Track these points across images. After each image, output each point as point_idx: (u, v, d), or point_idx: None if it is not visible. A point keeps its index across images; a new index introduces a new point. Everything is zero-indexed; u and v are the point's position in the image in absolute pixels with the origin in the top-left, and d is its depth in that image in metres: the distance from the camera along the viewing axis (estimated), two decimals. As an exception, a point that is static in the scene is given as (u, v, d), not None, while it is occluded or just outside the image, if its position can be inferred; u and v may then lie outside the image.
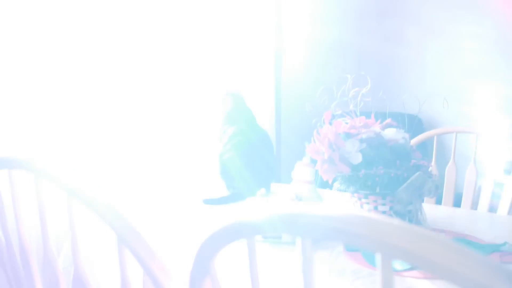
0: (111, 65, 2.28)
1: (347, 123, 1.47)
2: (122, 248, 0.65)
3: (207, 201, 1.70)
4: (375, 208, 1.36)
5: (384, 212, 1.34)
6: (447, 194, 1.95)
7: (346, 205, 1.46)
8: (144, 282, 0.96)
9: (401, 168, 1.38)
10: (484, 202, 1.92)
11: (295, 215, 0.44)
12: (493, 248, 1.18)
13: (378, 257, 0.41)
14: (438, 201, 1.96)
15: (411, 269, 1.01)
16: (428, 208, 1.47)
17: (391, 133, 1.46)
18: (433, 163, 1.91)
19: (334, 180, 1.42)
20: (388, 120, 1.51)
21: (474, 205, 1.97)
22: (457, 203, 1.97)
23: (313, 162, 1.43)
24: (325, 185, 1.50)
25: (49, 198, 1.61)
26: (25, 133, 2.01)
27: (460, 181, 1.99)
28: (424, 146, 2.10)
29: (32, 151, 2.04)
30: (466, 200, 1.94)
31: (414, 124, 3.03)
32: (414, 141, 1.91)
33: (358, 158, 1.38)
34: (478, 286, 0.35)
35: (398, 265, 1.03)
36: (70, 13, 2.07)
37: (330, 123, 1.44)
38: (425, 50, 3.53)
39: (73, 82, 2.13)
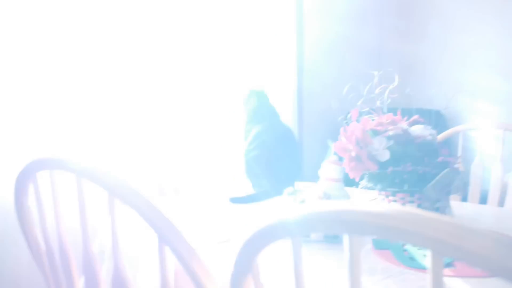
0: (130, 65, 2.32)
1: (373, 120, 1.47)
2: (163, 247, 0.66)
3: (234, 200, 1.71)
4: (403, 205, 1.36)
5: (412, 210, 1.34)
6: (473, 191, 1.94)
7: (375, 202, 1.46)
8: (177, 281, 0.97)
9: (429, 165, 1.38)
10: (511, 200, 1.90)
11: (343, 212, 0.45)
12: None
13: (428, 254, 0.41)
14: (464, 199, 1.95)
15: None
16: (455, 205, 1.46)
17: (419, 130, 1.45)
18: (459, 160, 1.90)
19: (361, 178, 1.42)
20: (415, 117, 1.50)
21: (501, 203, 1.95)
22: (483, 200, 1.95)
23: (340, 159, 1.43)
24: (351, 183, 1.50)
25: (89, 199, 1.64)
26: (59, 134, 2.06)
27: (487, 178, 1.97)
28: (450, 143, 2.08)
29: (69, 151, 2.09)
30: (492, 197, 1.92)
31: (438, 121, 3.01)
32: (440, 137, 1.90)
33: (385, 155, 1.38)
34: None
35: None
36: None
37: (357, 121, 1.44)
38: (448, 46, 3.50)
39: (105, 84, 2.17)
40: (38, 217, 0.82)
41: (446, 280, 0.99)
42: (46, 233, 0.84)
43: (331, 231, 0.47)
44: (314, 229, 0.50)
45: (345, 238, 0.46)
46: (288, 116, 2.94)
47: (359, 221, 0.44)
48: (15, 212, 0.86)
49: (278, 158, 1.79)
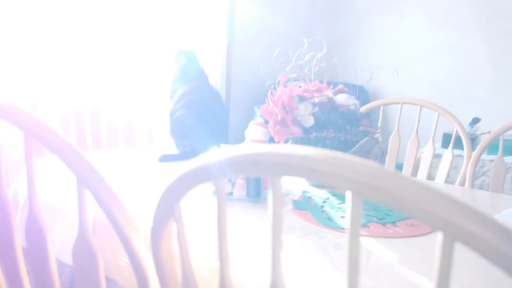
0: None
1: (301, 86, 1.49)
2: (82, 190, 0.64)
3: (163, 158, 1.68)
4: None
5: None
6: (389, 162, 2.03)
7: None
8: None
9: (350, 133, 1.43)
10: (423, 172, 2.01)
11: (267, 154, 0.45)
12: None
13: (348, 195, 0.42)
14: (380, 169, 2.04)
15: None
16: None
17: (343, 99, 1.49)
18: (379, 131, 1.98)
19: (285, 142, 1.45)
20: (341, 86, 1.54)
21: (413, 175, 2.06)
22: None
23: (266, 123, 1.44)
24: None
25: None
26: None
27: (402, 151, 2.08)
28: (371, 115, 2.16)
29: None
30: (406, 170, 2.03)
31: (361, 95, 3.11)
32: (362, 109, 1.96)
33: (310, 121, 1.41)
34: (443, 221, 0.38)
35: (344, 223, 1.08)
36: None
37: (285, 86, 1.45)
38: (374, 24, 3.61)
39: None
40: None
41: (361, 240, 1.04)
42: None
43: (255, 173, 0.47)
44: (238, 172, 0.50)
45: (270, 184, 0.47)
46: (216, 79, 2.92)
47: (283, 163, 0.45)
48: None
49: (204, 119, 1.77)
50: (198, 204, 1.18)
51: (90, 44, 2.43)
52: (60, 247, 1.11)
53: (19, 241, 0.74)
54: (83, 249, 0.66)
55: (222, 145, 1.82)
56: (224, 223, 0.52)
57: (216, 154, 0.51)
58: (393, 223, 1.11)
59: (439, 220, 0.38)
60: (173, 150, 1.80)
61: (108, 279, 0.87)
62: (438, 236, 0.40)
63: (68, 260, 1.08)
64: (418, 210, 0.38)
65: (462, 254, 0.46)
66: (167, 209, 0.58)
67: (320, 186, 1.41)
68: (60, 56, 2.35)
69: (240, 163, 0.48)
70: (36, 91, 2.20)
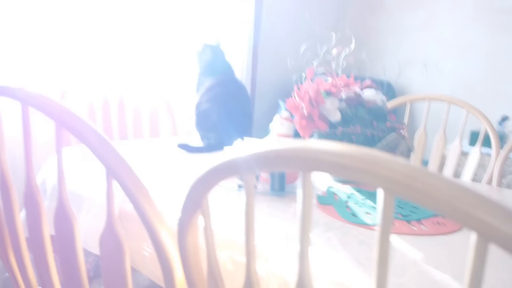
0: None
1: (328, 81, 1.48)
2: (110, 180, 0.65)
3: (182, 146, 1.69)
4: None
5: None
6: (415, 159, 2.00)
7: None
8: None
9: (377, 129, 1.41)
10: (449, 170, 1.98)
11: (299, 149, 0.45)
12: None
13: (380, 193, 0.42)
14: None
15: (382, 224, 1.04)
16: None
17: (370, 94, 1.48)
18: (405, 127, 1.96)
19: (311, 137, 1.44)
20: (368, 82, 1.53)
21: (439, 172, 2.03)
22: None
23: (292, 116, 1.44)
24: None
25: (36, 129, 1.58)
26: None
27: (428, 148, 2.05)
28: (398, 111, 2.13)
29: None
30: (432, 167, 2.00)
31: (388, 91, 3.08)
32: (389, 105, 1.94)
33: (336, 116, 1.40)
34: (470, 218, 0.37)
35: (368, 219, 1.07)
36: None
37: (312, 80, 1.45)
38: (404, 19, 3.55)
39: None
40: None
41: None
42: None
43: (285, 168, 0.47)
44: (267, 167, 0.49)
45: (300, 176, 0.46)
46: (242, 72, 2.92)
47: (314, 158, 0.44)
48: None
49: (229, 113, 1.77)
50: (220, 196, 1.18)
51: (118, 33, 2.46)
52: (84, 236, 1.13)
53: (47, 229, 0.75)
54: (110, 238, 0.67)
55: (246, 138, 1.82)
56: (252, 218, 0.52)
57: (245, 148, 0.51)
58: (419, 220, 1.10)
59: (473, 220, 0.37)
60: (198, 142, 1.81)
61: (131, 269, 0.87)
62: (472, 237, 0.39)
63: (92, 249, 1.09)
64: (452, 210, 0.38)
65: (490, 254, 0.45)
66: (194, 202, 0.58)
67: (344, 182, 1.40)
68: (88, 45, 2.38)
69: (269, 158, 0.48)
70: (64, 79, 2.23)
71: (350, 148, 0.42)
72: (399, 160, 0.41)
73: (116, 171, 0.62)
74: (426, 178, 0.39)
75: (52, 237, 0.77)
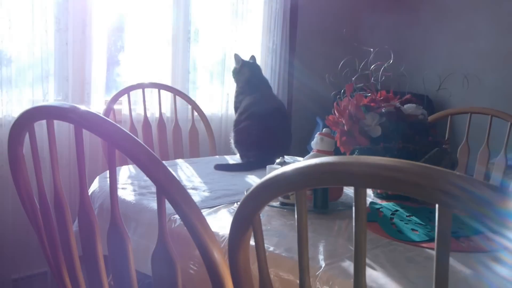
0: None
1: (367, 96, 1.47)
2: (162, 199, 0.66)
3: (219, 167, 1.71)
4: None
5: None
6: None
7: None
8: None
9: (419, 144, 1.39)
10: (494, 184, 1.93)
11: (352, 164, 0.45)
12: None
13: (437, 208, 0.42)
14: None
15: (429, 240, 1.02)
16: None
17: (411, 109, 1.46)
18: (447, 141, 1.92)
19: (351, 152, 1.43)
20: (408, 96, 1.51)
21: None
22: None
23: (333, 133, 1.43)
24: (341, 157, 1.51)
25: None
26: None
27: (472, 162, 2.00)
28: (438, 125, 2.10)
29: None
30: (476, 181, 1.95)
31: (428, 105, 3.03)
32: (430, 118, 1.91)
33: (377, 131, 1.39)
34: None
35: (416, 236, 1.05)
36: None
37: (351, 96, 1.44)
38: (440, 32, 3.52)
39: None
40: (33, 166, 0.81)
41: (432, 253, 1.00)
42: (40, 184, 0.83)
43: (337, 184, 0.47)
44: (318, 183, 0.50)
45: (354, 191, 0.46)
46: (278, 89, 2.93)
47: (368, 173, 0.44)
48: (8, 162, 0.85)
49: (268, 130, 1.79)
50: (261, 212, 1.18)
51: (160, 53, 2.51)
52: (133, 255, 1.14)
53: (101, 248, 0.77)
54: (162, 257, 0.68)
55: (285, 156, 1.82)
56: (305, 235, 0.53)
57: (295, 165, 0.51)
58: (467, 237, 1.07)
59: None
60: (238, 160, 1.83)
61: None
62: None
63: (139, 268, 1.11)
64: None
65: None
66: (245, 219, 0.59)
67: (387, 198, 1.38)
68: (130, 65, 2.44)
69: (322, 174, 0.48)
70: (106, 97, 2.29)
71: (405, 163, 0.42)
72: (456, 174, 0.41)
73: (168, 190, 0.64)
74: (482, 188, 0.39)
75: (104, 256, 0.79)
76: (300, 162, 0.50)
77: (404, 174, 0.42)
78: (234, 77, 2.00)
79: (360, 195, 0.46)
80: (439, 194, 0.40)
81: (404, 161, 0.43)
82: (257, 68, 2.00)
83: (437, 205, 0.41)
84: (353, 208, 0.47)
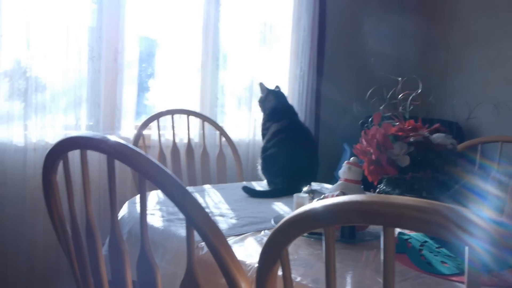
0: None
1: (395, 125, 1.47)
2: (191, 231, 0.67)
3: (246, 190, 1.71)
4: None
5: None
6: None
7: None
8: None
9: (448, 174, 1.38)
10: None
11: (381, 203, 0.46)
12: None
13: (467, 251, 0.41)
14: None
15: (459, 274, 1.01)
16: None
17: (440, 138, 1.45)
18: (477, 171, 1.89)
19: (379, 182, 1.42)
20: (437, 125, 1.50)
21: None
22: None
23: (360, 162, 1.43)
24: (369, 186, 1.50)
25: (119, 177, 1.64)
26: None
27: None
28: (468, 154, 2.07)
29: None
30: (507, 211, 1.91)
31: (457, 133, 3.00)
32: (459, 147, 1.89)
33: (405, 161, 1.38)
34: None
35: (446, 269, 1.03)
36: None
37: (379, 125, 1.44)
38: (469, 58, 3.49)
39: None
40: (67, 194, 0.83)
41: (462, 286, 0.99)
42: (72, 211, 0.85)
43: (365, 222, 0.48)
44: (349, 220, 0.50)
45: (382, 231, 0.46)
46: (305, 117, 2.94)
47: (396, 213, 0.45)
48: (42, 188, 0.87)
49: (295, 157, 1.79)
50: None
51: (188, 80, 2.55)
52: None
53: (130, 274, 0.78)
54: (190, 285, 0.68)
55: (313, 182, 1.82)
56: (333, 269, 0.53)
57: (325, 201, 0.52)
58: (499, 271, 1.05)
59: None
60: (265, 186, 1.83)
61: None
62: None
63: (167, 294, 1.12)
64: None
65: None
66: (274, 252, 0.59)
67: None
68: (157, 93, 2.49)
69: (349, 212, 0.49)
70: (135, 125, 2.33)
71: (434, 204, 0.43)
72: (484, 218, 0.41)
73: (196, 221, 0.65)
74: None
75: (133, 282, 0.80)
76: (328, 199, 0.51)
77: (432, 216, 0.42)
78: (260, 106, 2.02)
79: (388, 234, 0.46)
80: (467, 237, 0.40)
81: (431, 202, 0.43)
82: (282, 96, 2.02)
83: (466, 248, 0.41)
84: (381, 244, 0.47)
